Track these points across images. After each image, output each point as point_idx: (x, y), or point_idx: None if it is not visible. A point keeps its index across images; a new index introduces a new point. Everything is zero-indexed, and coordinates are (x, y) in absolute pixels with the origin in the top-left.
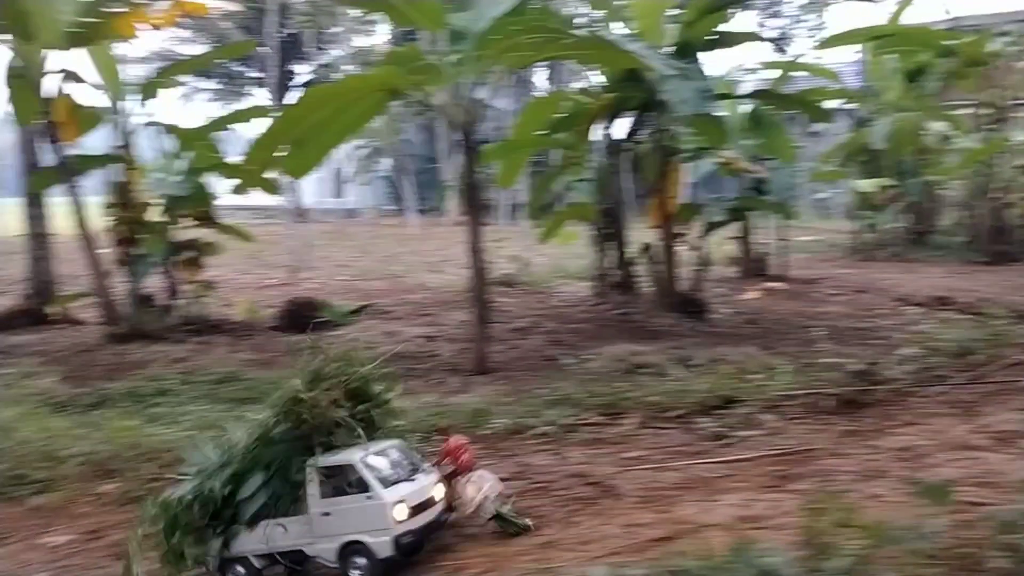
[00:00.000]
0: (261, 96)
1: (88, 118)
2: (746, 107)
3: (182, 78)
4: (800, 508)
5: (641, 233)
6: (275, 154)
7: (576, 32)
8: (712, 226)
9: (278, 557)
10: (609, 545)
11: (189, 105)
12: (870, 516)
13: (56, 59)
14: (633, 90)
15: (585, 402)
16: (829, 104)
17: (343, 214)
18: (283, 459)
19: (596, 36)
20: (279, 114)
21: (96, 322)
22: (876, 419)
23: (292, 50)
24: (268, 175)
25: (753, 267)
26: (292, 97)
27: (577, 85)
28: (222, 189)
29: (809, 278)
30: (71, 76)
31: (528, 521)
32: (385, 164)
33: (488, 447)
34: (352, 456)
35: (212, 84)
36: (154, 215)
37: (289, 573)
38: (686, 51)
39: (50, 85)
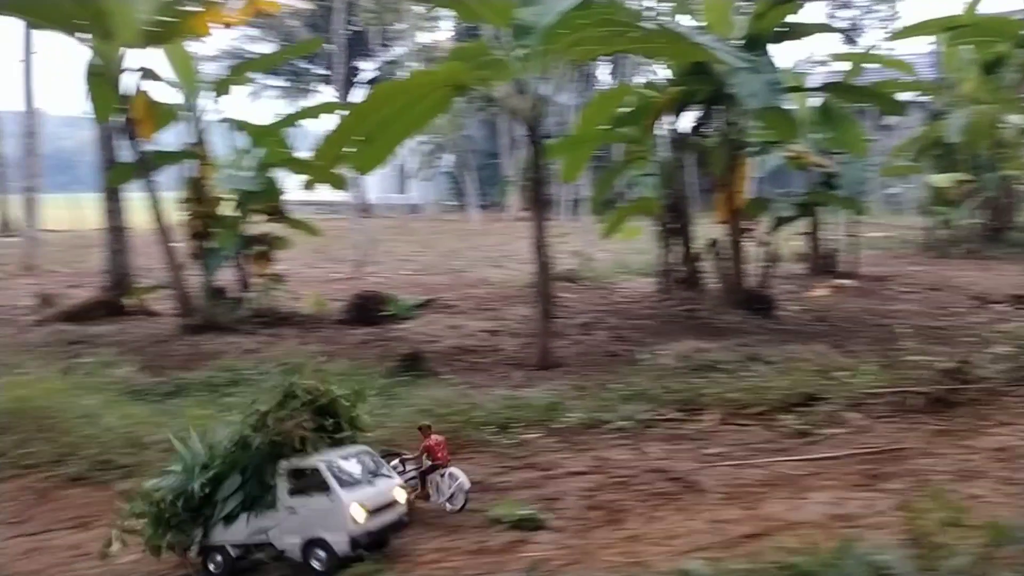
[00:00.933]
0: (327, 93)
1: (164, 115)
2: (816, 100)
3: (252, 75)
4: (898, 507)
5: (707, 228)
6: (344, 150)
7: (644, 25)
8: (780, 221)
9: (253, 548)
10: (697, 540)
11: (256, 102)
12: (975, 516)
13: (133, 57)
14: (700, 83)
15: (661, 398)
16: (902, 96)
17: (406, 209)
18: (258, 464)
19: (665, 29)
20: (348, 111)
21: (171, 313)
22: (969, 419)
23: (357, 47)
24: (337, 171)
25: (822, 264)
26: (357, 94)
27: (641, 79)
28: (290, 184)
29: (880, 275)
30: (148, 74)
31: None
32: (447, 160)
33: (563, 441)
34: (317, 460)
35: (279, 81)
36: (226, 210)
37: (256, 563)
38: (755, 43)
39: (128, 83)
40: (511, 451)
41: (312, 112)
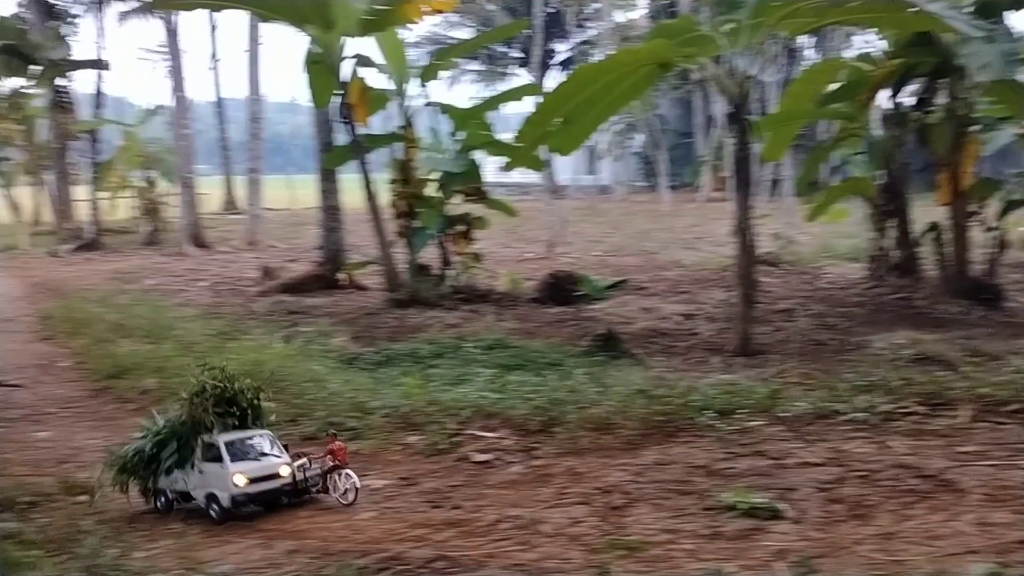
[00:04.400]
0: (523, 76)
1: (377, 100)
2: None
3: (455, 60)
4: None
5: (926, 211)
6: (546, 131)
7: None
8: (1010, 205)
9: (180, 496)
10: (965, 543)
11: (453, 86)
12: None
13: (350, 45)
14: (924, 54)
15: (900, 390)
16: None
17: (596, 190)
18: (187, 434)
19: None
20: (550, 92)
21: (379, 288)
22: None
23: (552, 28)
24: (536, 152)
25: None
26: (553, 76)
27: (849, 53)
28: (486, 166)
29: None
30: (363, 61)
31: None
32: (638, 140)
33: (791, 430)
34: (218, 437)
35: (475, 65)
36: (430, 191)
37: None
38: (989, 10)
39: (345, 70)
40: (734, 437)
41: (515, 94)
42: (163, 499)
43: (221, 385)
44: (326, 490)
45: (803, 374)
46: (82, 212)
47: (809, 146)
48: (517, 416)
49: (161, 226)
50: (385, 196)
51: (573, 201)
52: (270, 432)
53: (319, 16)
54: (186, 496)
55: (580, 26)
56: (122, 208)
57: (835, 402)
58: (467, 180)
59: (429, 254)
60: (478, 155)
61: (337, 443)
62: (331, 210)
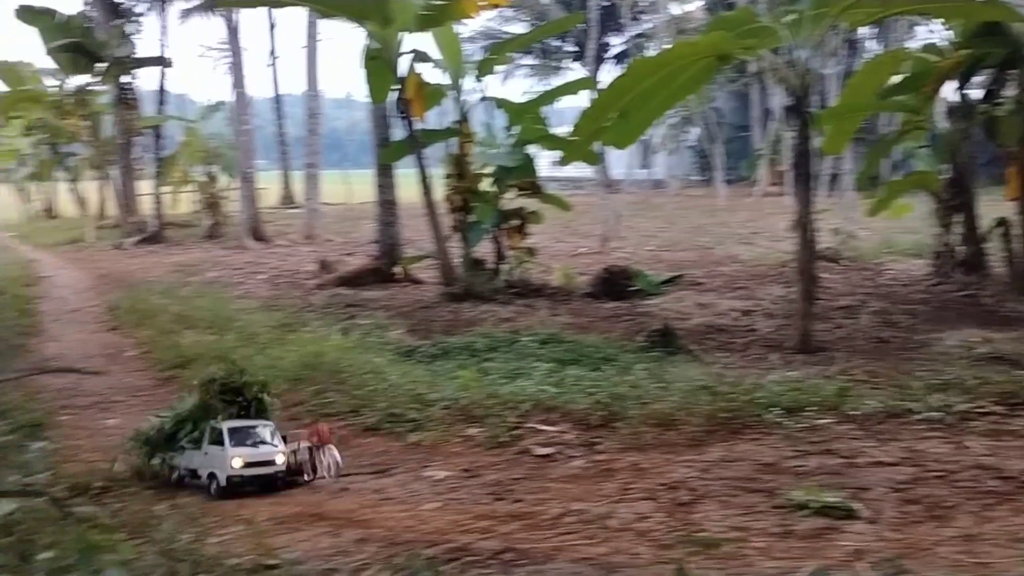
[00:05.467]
0: (577, 70)
1: (433, 95)
2: None
3: (511, 55)
4: None
5: (994, 206)
6: (602, 125)
7: None
8: None
9: (191, 473)
10: None
11: (507, 81)
12: None
13: (407, 41)
14: (993, 45)
15: (976, 389)
16: None
17: (650, 185)
18: (199, 417)
19: None
20: (607, 86)
21: (434, 282)
22: None
23: (607, 22)
24: (591, 146)
25: None
26: (607, 70)
27: (912, 44)
28: (540, 160)
29: None
30: (420, 56)
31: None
32: (693, 133)
33: (861, 428)
34: (222, 424)
35: (529, 59)
36: (484, 185)
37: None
38: None
39: (402, 65)
40: (802, 435)
41: (569, 88)
42: (177, 475)
43: (232, 376)
44: (315, 469)
45: (869, 372)
46: (146, 206)
47: (871, 139)
48: (577, 410)
49: (222, 220)
50: (440, 191)
51: (627, 195)
52: (271, 423)
53: (377, 12)
54: (194, 474)
55: (635, 19)
56: (184, 202)
57: (907, 400)
58: (522, 174)
59: (484, 248)
60: (533, 149)
61: (321, 424)
62: (387, 205)
